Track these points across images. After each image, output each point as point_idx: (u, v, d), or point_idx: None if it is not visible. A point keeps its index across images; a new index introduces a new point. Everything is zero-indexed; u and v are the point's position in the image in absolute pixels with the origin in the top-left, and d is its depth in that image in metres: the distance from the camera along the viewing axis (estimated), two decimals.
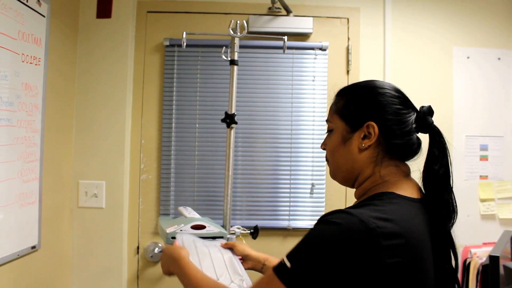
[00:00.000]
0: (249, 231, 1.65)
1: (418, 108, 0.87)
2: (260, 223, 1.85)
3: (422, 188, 0.83)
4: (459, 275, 1.92)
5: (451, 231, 0.80)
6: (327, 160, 0.92)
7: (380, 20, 2.03)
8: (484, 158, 2.05)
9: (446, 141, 0.82)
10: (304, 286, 0.67)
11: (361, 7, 2.03)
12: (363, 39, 2.02)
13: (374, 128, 0.81)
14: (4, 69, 1.28)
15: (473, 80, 2.06)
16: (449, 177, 0.81)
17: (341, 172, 0.89)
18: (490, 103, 2.06)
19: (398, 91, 0.86)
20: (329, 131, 0.90)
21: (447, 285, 0.79)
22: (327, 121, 0.92)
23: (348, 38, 2.02)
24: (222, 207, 1.59)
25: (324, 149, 0.93)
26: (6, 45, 1.28)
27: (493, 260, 1.45)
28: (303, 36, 1.99)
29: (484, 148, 2.05)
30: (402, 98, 0.85)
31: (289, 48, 1.95)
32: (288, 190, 1.97)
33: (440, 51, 2.05)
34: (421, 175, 0.83)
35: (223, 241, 1.27)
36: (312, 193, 1.96)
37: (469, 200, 2.03)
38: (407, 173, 0.85)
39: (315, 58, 1.99)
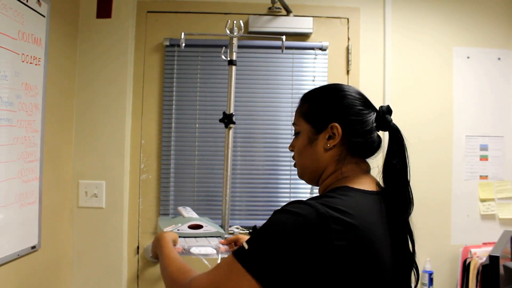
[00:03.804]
0: (248, 231, 1.65)
1: (378, 108, 0.91)
2: (261, 223, 1.85)
3: (381, 183, 0.88)
4: (459, 275, 1.92)
5: (409, 220, 0.86)
6: (293, 159, 0.98)
7: (380, 20, 2.03)
8: (484, 158, 2.05)
9: (404, 138, 0.87)
10: (258, 266, 0.72)
11: (361, 7, 2.03)
12: (363, 39, 2.02)
13: (338, 129, 0.86)
14: (4, 69, 1.28)
15: (473, 80, 2.06)
16: (406, 170, 0.86)
17: (308, 172, 0.94)
18: (490, 103, 2.06)
19: (359, 93, 0.91)
20: (296, 134, 0.95)
21: (405, 270, 0.84)
22: (293, 124, 0.97)
23: (348, 38, 2.02)
24: (221, 207, 1.59)
25: (292, 150, 0.98)
26: (6, 45, 1.28)
27: (493, 260, 1.45)
28: (303, 36, 1.99)
29: (484, 148, 2.05)
30: (362, 100, 0.90)
31: (289, 48, 1.95)
32: (288, 190, 1.97)
33: (440, 51, 2.05)
34: (380, 170, 0.88)
35: (222, 240, 1.28)
36: (312, 193, 1.96)
37: (469, 200, 2.03)
38: (365, 170, 0.90)
39: (315, 58, 1.99)
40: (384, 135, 0.91)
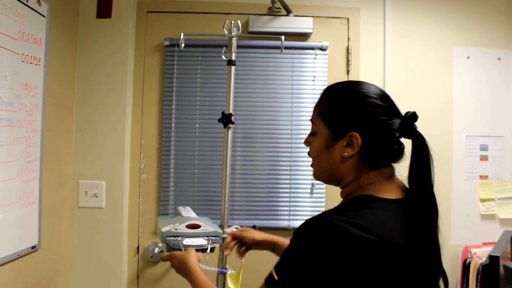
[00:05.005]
0: None
1: (403, 112, 0.86)
2: (261, 223, 1.86)
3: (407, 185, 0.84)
4: (459, 275, 1.92)
5: (438, 230, 0.83)
6: (309, 155, 0.93)
7: (380, 20, 2.03)
8: (484, 158, 2.05)
9: (429, 147, 0.83)
10: None
11: (361, 7, 2.03)
12: (363, 39, 2.02)
13: (358, 139, 0.82)
14: (4, 69, 1.28)
15: (473, 80, 2.06)
16: (431, 182, 0.82)
17: (324, 175, 0.91)
18: (490, 103, 2.06)
19: (383, 98, 0.85)
20: (313, 133, 0.91)
21: (432, 280, 0.83)
22: (311, 120, 0.92)
23: (348, 38, 2.02)
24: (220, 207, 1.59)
25: (307, 145, 0.93)
26: (6, 45, 1.28)
27: (493, 260, 1.45)
28: (303, 36, 1.99)
29: (484, 148, 2.05)
30: (387, 107, 0.84)
31: (289, 48, 1.95)
32: (288, 190, 1.97)
33: (440, 51, 2.05)
34: (403, 178, 0.85)
35: (228, 230, 1.29)
36: (312, 193, 1.96)
37: (469, 200, 2.03)
38: (389, 175, 0.85)
39: (315, 58, 1.99)
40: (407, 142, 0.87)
